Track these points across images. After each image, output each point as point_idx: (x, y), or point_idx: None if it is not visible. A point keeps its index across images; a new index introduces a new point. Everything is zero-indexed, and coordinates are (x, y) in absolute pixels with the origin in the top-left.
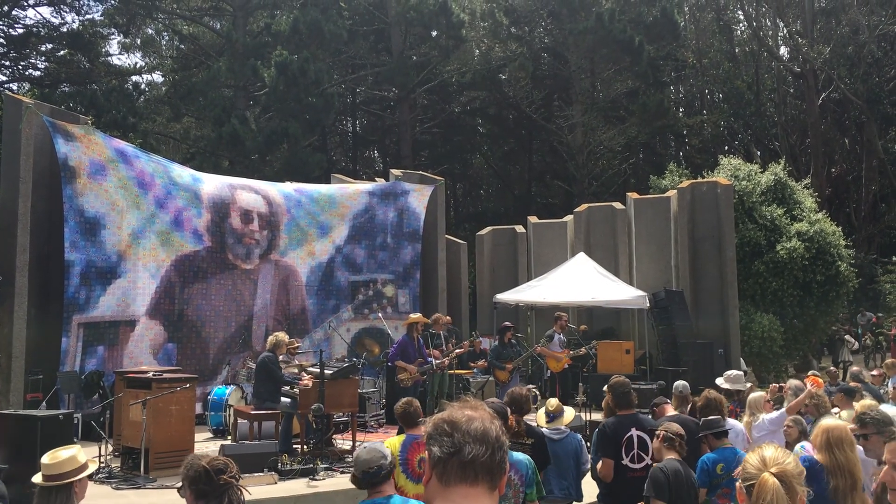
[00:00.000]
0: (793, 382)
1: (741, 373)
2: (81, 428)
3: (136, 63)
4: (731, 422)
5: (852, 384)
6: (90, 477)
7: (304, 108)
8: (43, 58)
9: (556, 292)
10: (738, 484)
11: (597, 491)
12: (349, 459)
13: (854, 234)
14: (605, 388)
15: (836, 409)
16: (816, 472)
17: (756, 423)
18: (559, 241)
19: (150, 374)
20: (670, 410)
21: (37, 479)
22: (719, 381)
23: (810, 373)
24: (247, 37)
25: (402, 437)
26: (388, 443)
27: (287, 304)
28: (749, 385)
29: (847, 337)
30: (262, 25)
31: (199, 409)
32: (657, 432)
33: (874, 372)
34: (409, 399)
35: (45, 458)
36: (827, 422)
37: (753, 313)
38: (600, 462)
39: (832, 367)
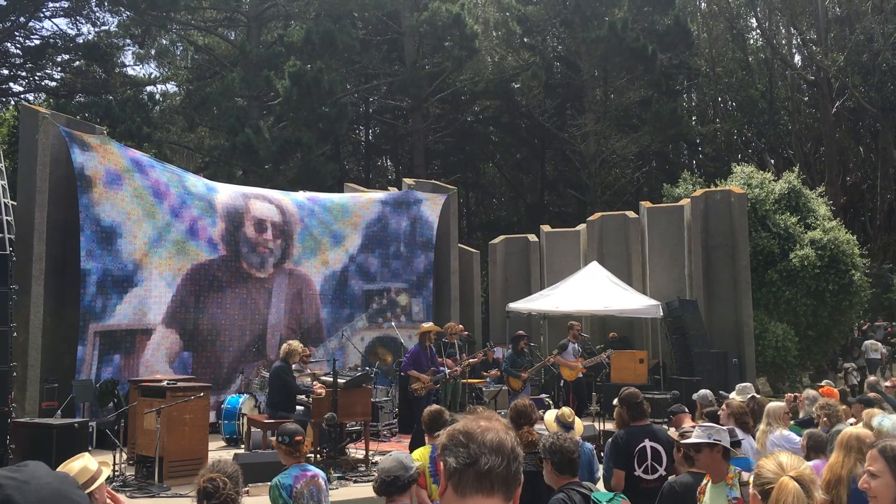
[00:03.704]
0: (809, 392)
1: (749, 385)
2: (96, 436)
3: (151, 73)
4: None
5: (870, 395)
6: (106, 482)
7: (318, 117)
8: (59, 68)
9: (568, 301)
10: (751, 490)
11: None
12: (362, 469)
13: (869, 244)
14: (614, 401)
15: (851, 420)
16: None
17: (773, 434)
18: (572, 249)
19: (165, 383)
20: (688, 420)
21: None
22: (732, 395)
23: (824, 382)
24: (260, 47)
25: (429, 447)
26: (417, 453)
27: (301, 312)
28: (751, 395)
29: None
30: (276, 36)
31: (212, 417)
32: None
33: (887, 383)
34: (440, 409)
35: None
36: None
37: (767, 322)
38: (612, 473)
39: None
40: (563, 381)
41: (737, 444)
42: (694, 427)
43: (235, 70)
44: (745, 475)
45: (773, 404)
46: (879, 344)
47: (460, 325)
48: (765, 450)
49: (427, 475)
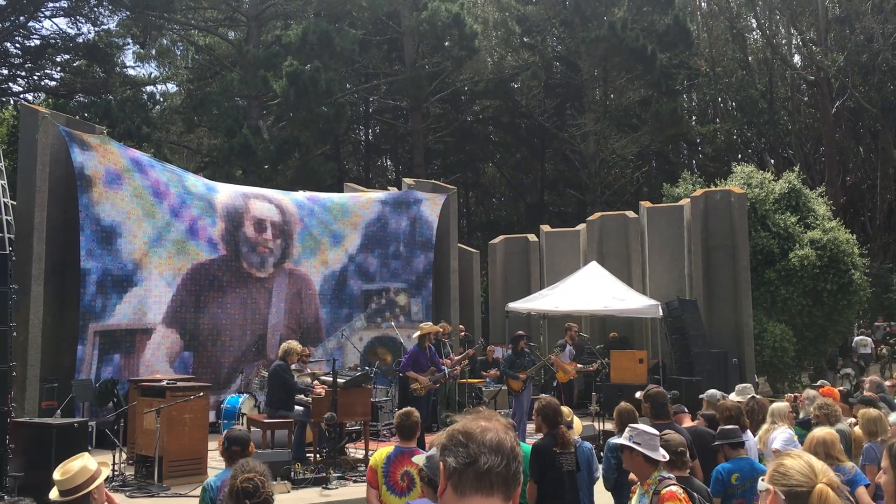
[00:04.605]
0: (809, 392)
1: (749, 385)
2: (96, 436)
3: (152, 73)
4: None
5: (868, 394)
6: (105, 481)
7: (316, 117)
8: (59, 68)
9: (568, 301)
10: (772, 488)
11: (606, 499)
12: (361, 468)
13: (869, 244)
14: (637, 394)
15: (851, 420)
16: None
17: (776, 432)
18: (572, 249)
19: (164, 383)
20: (687, 420)
21: (53, 495)
22: (732, 396)
23: (820, 382)
24: (260, 47)
25: (391, 447)
26: (377, 453)
27: (300, 312)
28: (750, 396)
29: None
30: (275, 36)
31: (212, 417)
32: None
33: (888, 383)
34: (410, 410)
35: (57, 474)
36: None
37: (766, 322)
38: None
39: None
40: (555, 382)
41: (740, 444)
42: (694, 427)
43: (234, 70)
44: (665, 483)
45: (778, 404)
46: (868, 339)
47: (461, 326)
48: (767, 448)
49: (379, 475)
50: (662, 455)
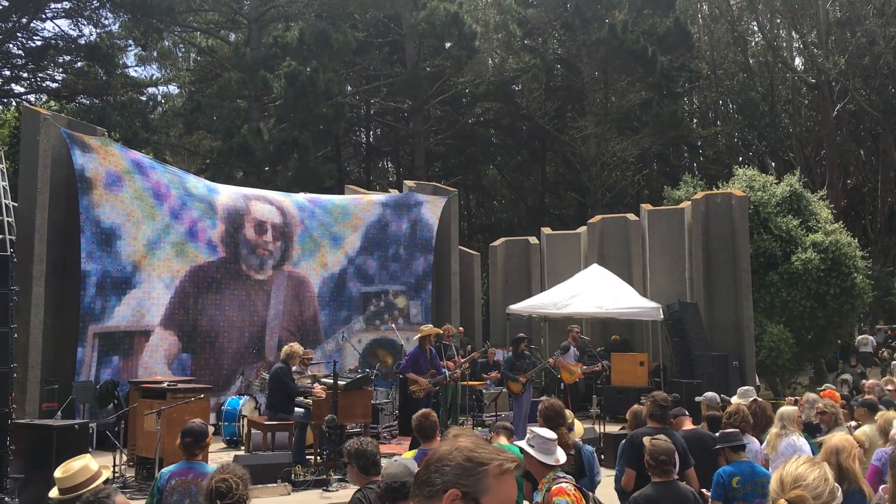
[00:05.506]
0: (809, 395)
1: (751, 388)
2: (96, 438)
3: (153, 75)
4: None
5: (869, 397)
6: (105, 483)
7: (315, 118)
8: (60, 70)
9: (569, 303)
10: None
11: (611, 501)
12: None
13: (870, 247)
14: (642, 397)
15: (852, 423)
16: None
17: (786, 438)
18: (572, 252)
19: (165, 385)
20: (687, 423)
21: (53, 493)
22: (734, 399)
23: (824, 386)
24: (261, 48)
25: (415, 451)
26: (403, 456)
27: (299, 314)
28: (753, 399)
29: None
30: (274, 38)
31: (212, 419)
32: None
33: (889, 387)
34: (427, 411)
35: (58, 472)
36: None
37: (766, 325)
38: (624, 471)
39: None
40: (562, 384)
41: (740, 447)
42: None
43: (233, 72)
44: (557, 480)
45: (787, 408)
46: (870, 338)
47: (461, 328)
48: (775, 453)
49: None
50: (555, 459)
